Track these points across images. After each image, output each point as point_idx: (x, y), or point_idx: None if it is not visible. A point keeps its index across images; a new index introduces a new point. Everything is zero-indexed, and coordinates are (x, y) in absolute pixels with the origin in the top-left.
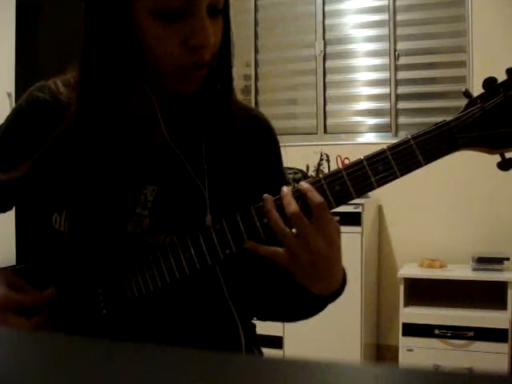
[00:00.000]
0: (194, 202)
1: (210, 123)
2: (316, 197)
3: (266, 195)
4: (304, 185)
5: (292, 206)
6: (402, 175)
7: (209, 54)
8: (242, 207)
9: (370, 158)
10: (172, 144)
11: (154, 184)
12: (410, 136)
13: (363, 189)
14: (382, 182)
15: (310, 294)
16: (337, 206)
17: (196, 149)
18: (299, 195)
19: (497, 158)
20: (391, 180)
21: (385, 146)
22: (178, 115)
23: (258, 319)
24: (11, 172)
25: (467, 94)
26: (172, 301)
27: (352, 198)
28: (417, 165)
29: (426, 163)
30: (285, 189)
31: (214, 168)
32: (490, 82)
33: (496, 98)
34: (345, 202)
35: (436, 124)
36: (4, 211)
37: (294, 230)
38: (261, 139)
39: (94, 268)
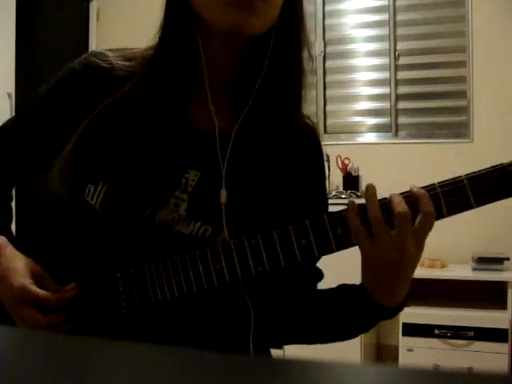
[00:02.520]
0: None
1: (258, 105)
2: (430, 205)
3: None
4: (417, 190)
5: (402, 205)
6: (448, 215)
7: None
8: (266, 203)
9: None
10: (216, 126)
11: (197, 169)
12: (463, 175)
13: None
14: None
15: (375, 304)
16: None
17: (233, 129)
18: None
19: (497, 157)
20: (437, 219)
21: (436, 182)
22: (232, 99)
23: (274, 346)
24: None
25: None
26: (194, 307)
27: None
28: (467, 207)
29: (477, 206)
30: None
31: (242, 151)
32: None
33: None
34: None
35: (493, 166)
36: (37, 174)
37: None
38: (310, 150)
39: (117, 258)
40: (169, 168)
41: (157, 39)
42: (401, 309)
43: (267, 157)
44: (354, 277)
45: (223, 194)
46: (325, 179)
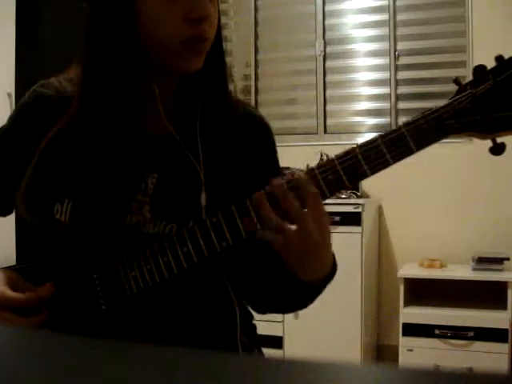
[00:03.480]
0: (191, 185)
1: (206, 109)
2: (310, 187)
3: (256, 193)
4: (298, 175)
5: (288, 199)
6: (394, 162)
7: (210, 29)
8: (236, 194)
9: (363, 146)
10: (172, 130)
11: (155, 172)
12: (401, 123)
13: (357, 177)
14: (375, 170)
15: (300, 281)
16: (331, 195)
17: (193, 133)
18: (293, 186)
19: (497, 159)
20: (384, 167)
21: (377, 134)
22: (177, 104)
23: (256, 311)
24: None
25: (457, 81)
26: (171, 295)
27: (345, 188)
28: (409, 152)
29: (418, 150)
30: (275, 181)
31: (209, 151)
32: (479, 69)
33: (486, 84)
34: (338, 191)
35: (427, 110)
36: (8, 213)
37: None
38: (257, 135)
39: (92, 263)
40: (127, 174)
41: (84, 56)
42: (330, 279)
43: (224, 150)
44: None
45: (203, 197)
46: (276, 160)
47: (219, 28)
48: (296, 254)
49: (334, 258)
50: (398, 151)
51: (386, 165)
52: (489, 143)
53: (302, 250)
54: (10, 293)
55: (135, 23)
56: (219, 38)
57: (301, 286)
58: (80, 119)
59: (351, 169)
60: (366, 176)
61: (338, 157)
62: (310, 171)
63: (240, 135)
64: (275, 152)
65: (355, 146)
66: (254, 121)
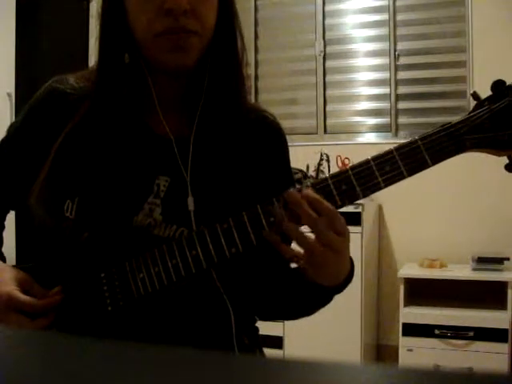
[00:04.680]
0: (183, 189)
1: (209, 111)
2: (323, 203)
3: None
4: (309, 191)
5: (305, 215)
6: (409, 175)
7: (194, 23)
8: (235, 201)
9: (377, 158)
10: (168, 131)
11: (166, 175)
12: (417, 137)
13: (370, 189)
14: (389, 182)
15: (320, 286)
16: (342, 205)
17: (192, 136)
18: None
19: (497, 158)
20: (398, 180)
21: (392, 147)
22: (183, 105)
23: (260, 318)
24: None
25: (475, 96)
26: (177, 298)
27: (358, 198)
28: (424, 165)
29: (434, 164)
30: (292, 196)
31: (204, 154)
32: (498, 85)
33: (504, 100)
34: (351, 202)
35: (444, 125)
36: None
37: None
38: (269, 142)
39: (100, 262)
40: (140, 175)
41: (97, 59)
42: (348, 281)
43: (227, 155)
44: None
45: (190, 201)
46: (288, 165)
47: (229, 26)
48: (316, 262)
49: (352, 261)
50: (414, 165)
51: (400, 178)
52: None
53: (322, 257)
54: (19, 295)
55: (127, 22)
56: (225, 37)
57: (318, 290)
58: (92, 116)
59: (365, 181)
60: (379, 188)
61: (352, 167)
62: (322, 181)
63: (250, 140)
64: (287, 160)
65: (369, 157)
66: (267, 127)
